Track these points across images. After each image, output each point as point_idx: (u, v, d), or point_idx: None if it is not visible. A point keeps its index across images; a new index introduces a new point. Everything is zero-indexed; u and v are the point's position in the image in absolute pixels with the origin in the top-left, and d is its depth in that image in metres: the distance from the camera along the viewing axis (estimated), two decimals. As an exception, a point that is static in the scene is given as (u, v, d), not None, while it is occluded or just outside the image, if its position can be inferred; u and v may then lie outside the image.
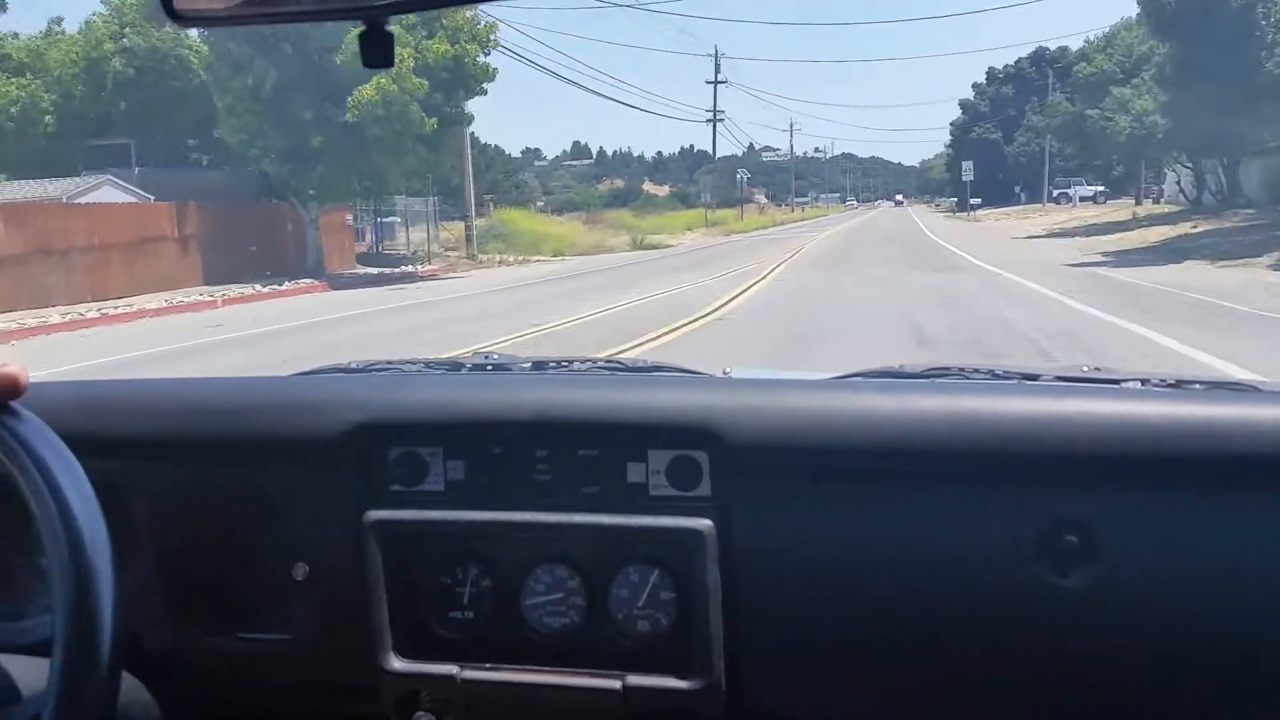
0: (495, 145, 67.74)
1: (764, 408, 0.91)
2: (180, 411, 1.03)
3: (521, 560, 0.96)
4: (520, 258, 25.98)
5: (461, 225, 27.28)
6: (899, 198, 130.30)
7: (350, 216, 23.69)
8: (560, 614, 0.95)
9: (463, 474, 0.96)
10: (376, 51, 0.69)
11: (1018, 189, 58.20)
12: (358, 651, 0.95)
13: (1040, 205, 48.84)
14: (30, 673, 0.79)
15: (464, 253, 25.44)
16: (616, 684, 0.90)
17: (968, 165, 51.32)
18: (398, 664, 0.95)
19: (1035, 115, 46.14)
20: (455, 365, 1.24)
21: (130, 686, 0.96)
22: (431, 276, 20.50)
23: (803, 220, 65.86)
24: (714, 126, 59.25)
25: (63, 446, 0.71)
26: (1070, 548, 0.83)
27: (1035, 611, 0.84)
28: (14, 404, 0.72)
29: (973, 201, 52.06)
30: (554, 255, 26.75)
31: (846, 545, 0.87)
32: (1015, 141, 58.44)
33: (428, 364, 1.24)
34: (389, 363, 1.25)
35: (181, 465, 1.03)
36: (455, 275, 20.96)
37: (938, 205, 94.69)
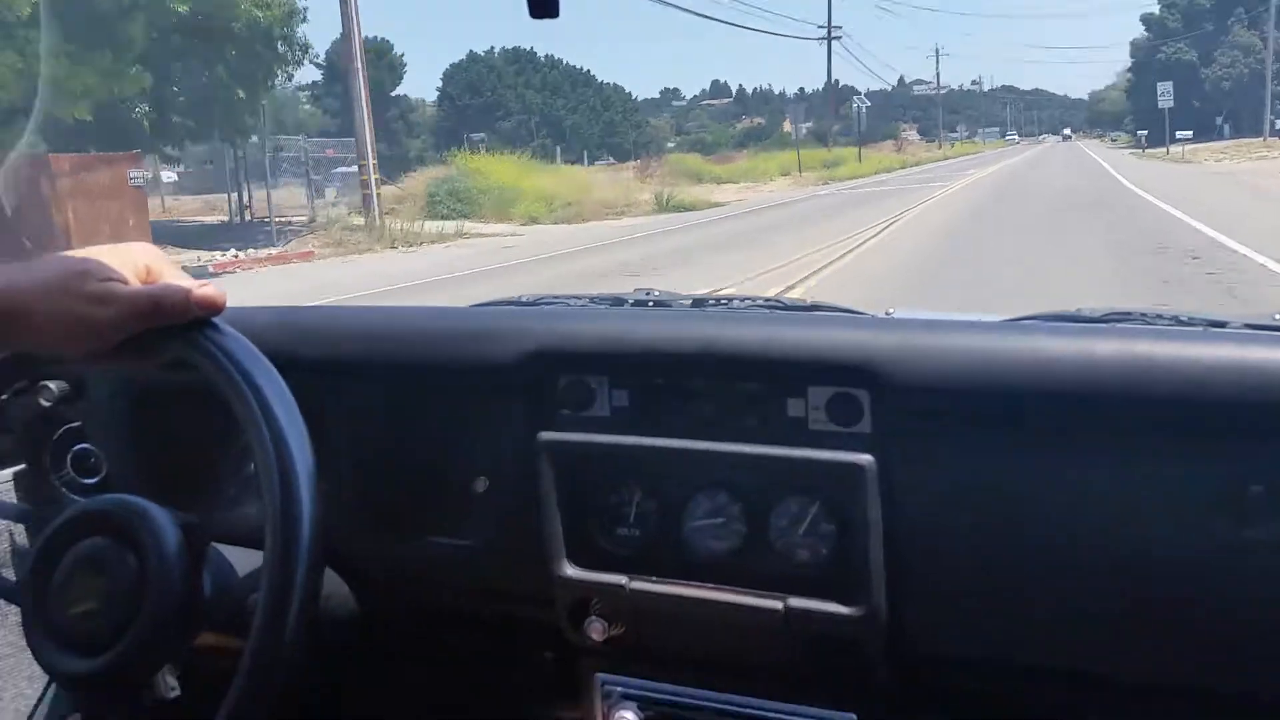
0: (614, 83, 66.20)
1: (929, 347, 0.91)
2: (372, 336, 1.12)
3: (684, 485, 1.00)
4: (459, 229, 18.55)
5: (422, 180, 22.06)
6: (1066, 132, 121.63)
7: (137, 171, 16.12)
8: (721, 538, 0.99)
9: (627, 402, 1.01)
10: (541, 2, 0.73)
11: (1219, 120, 49.71)
12: (533, 560, 1.02)
13: (1261, 139, 40.33)
14: (240, 562, 0.88)
15: (366, 221, 18.46)
16: (779, 604, 0.93)
17: (1165, 87, 37.90)
18: (570, 571, 1.01)
19: (1245, 31, 38.52)
20: (619, 300, 1.29)
21: (330, 581, 1.09)
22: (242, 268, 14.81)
23: (944, 160, 55.64)
24: (829, 45, 53.30)
25: (265, 360, 0.77)
26: (1255, 499, 0.81)
27: (1213, 563, 0.82)
28: (215, 320, 0.80)
29: (1180, 134, 40.02)
30: (525, 221, 20.18)
31: (1012, 490, 0.87)
32: (1215, 63, 50.36)
33: (592, 299, 1.30)
34: (555, 297, 1.32)
35: (373, 386, 1.11)
36: (295, 263, 15.47)
37: (1113, 140, 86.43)
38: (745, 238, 15.04)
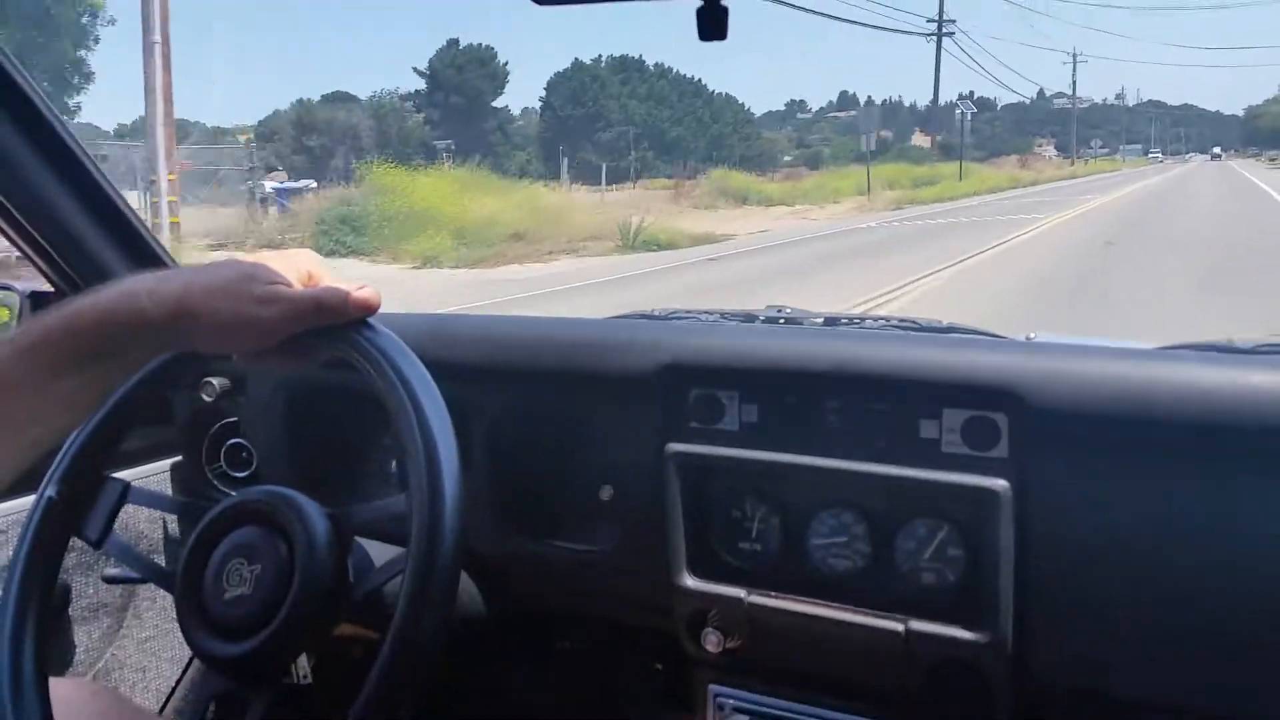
0: (725, 93, 62.35)
1: (1073, 373, 0.89)
2: (514, 344, 1.16)
3: (809, 502, 1.00)
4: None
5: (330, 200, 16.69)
6: (1216, 150, 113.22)
7: None
8: (845, 557, 0.99)
9: (756, 417, 1.01)
10: (711, 26, 0.74)
11: None
12: (655, 568, 1.04)
13: None
14: (378, 556, 0.88)
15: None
16: (900, 627, 0.92)
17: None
18: (690, 582, 1.02)
19: None
20: (750, 317, 1.30)
21: (461, 579, 1.13)
22: None
23: (1071, 179, 47.53)
24: (939, 41, 48.41)
25: (417, 359, 0.80)
26: None
27: None
28: (370, 320, 0.83)
29: None
30: (418, 263, 14.61)
31: (1152, 522, 0.85)
32: None
33: (723, 314, 1.31)
34: (688, 312, 1.34)
35: (513, 391, 1.15)
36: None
37: (1271, 160, 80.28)
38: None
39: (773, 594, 0.99)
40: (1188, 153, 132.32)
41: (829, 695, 1.00)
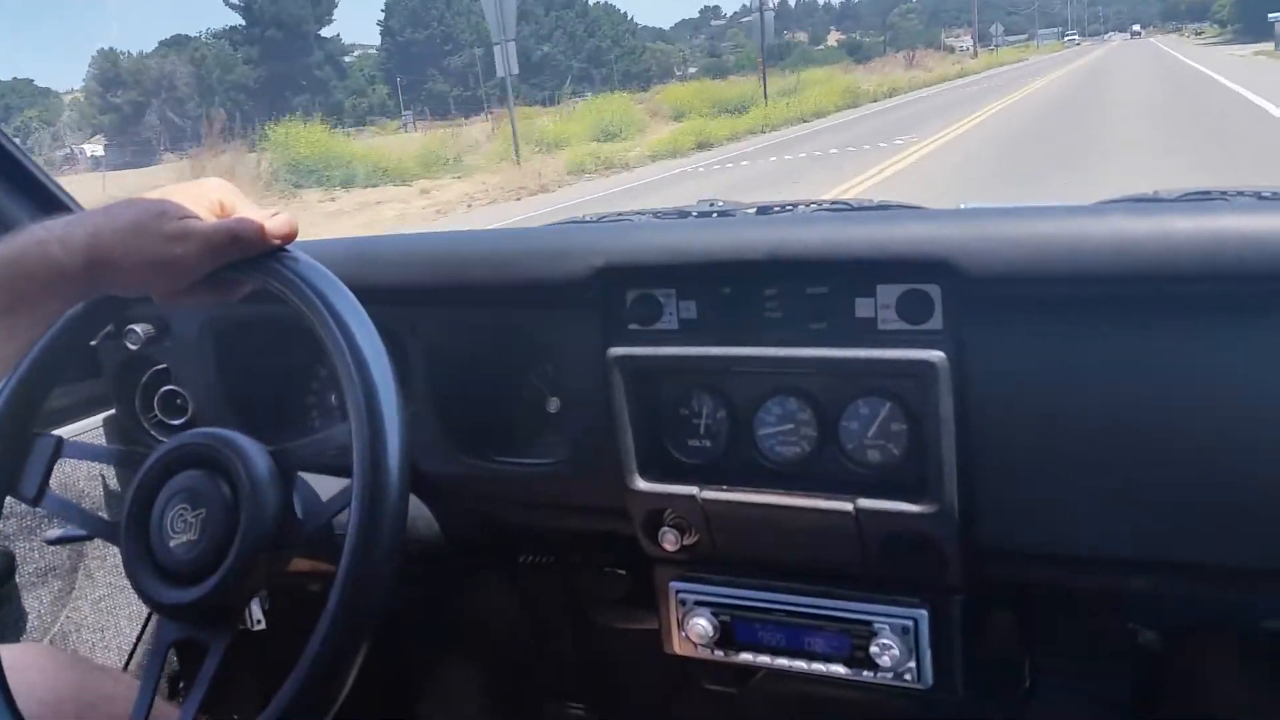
0: (604, 1, 54.58)
1: (1002, 236, 0.89)
2: (442, 261, 1.13)
3: (754, 393, 1.00)
4: None
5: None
6: (1136, 27, 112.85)
7: None
8: (792, 443, 1.00)
9: (695, 313, 1.00)
10: None
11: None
12: (608, 475, 1.04)
13: None
14: (326, 489, 0.87)
15: None
16: (849, 506, 0.94)
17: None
18: (644, 485, 1.03)
19: None
20: (683, 213, 1.28)
21: (412, 503, 1.11)
22: None
23: (960, 79, 38.78)
24: None
25: (343, 285, 0.78)
26: None
27: None
28: (290, 248, 0.81)
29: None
30: None
31: (1088, 379, 0.86)
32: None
33: (655, 213, 1.29)
34: (619, 214, 1.32)
35: (446, 310, 1.13)
36: None
37: (1196, 33, 75.19)
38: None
39: (725, 488, 1.00)
40: (1107, 33, 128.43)
41: (787, 579, 1.03)
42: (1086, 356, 0.85)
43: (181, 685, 1.34)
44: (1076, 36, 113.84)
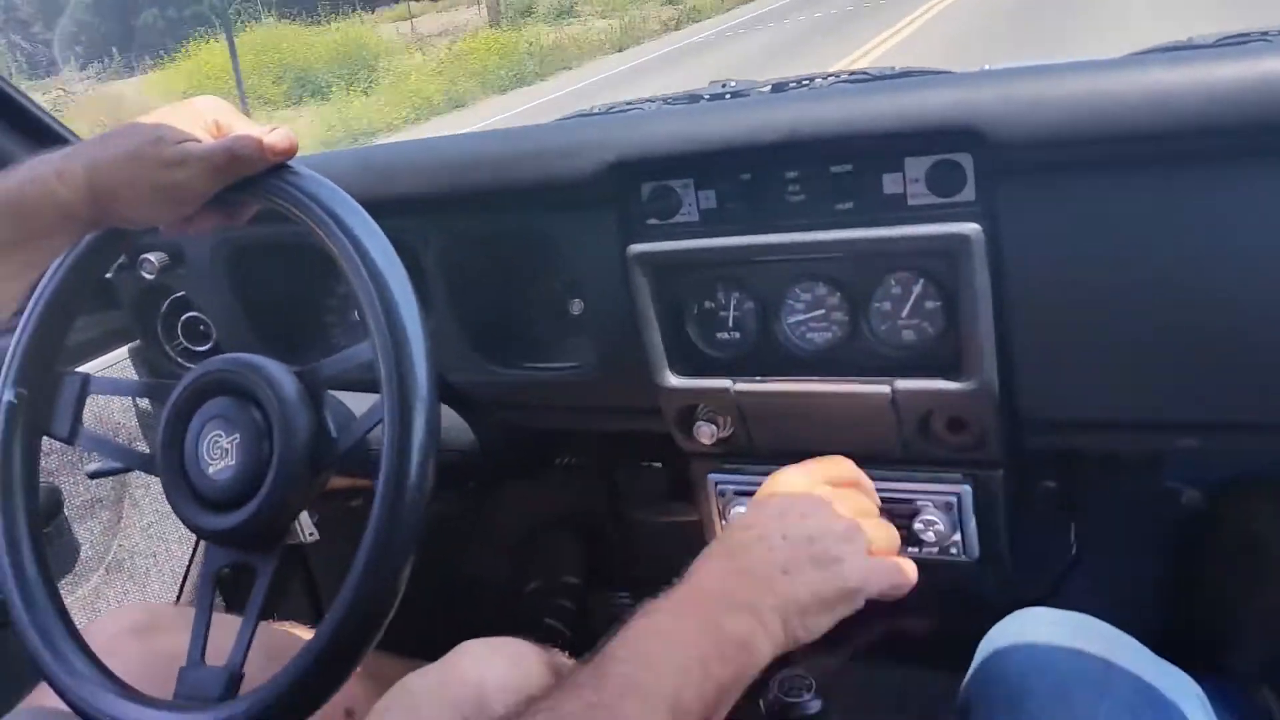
0: None
1: (1032, 96, 0.84)
2: (450, 166, 1.09)
3: (780, 281, 0.99)
4: None
5: None
6: None
7: None
8: (823, 329, 0.99)
9: (714, 203, 0.97)
10: None
11: None
12: (637, 374, 1.03)
13: None
14: (358, 406, 0.89)
15: None
16: (885, 389, 0.93)
17: None
18: (674, 381, 1.02)
19: None
20: (694, 97, 1.24)
21: (446, 414, 1.13)
22: None
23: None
24: None
25: (350, 198, 0.77)
26: None
27: None
28: (292, 164, 0.79)
29: None
30: None
31: (1127, 241, 0.83)
32: None
33: (665, 100, 1.25)
34: (629, 103, 1.28)
35: (458, 217, 1.10)
36: None
37: None
38: None
39: (757, 379, 0.99)
40: None
41: None
42: (1126, 219, 0.82)
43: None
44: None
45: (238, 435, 0.81)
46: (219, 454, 0.81)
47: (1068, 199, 0.84)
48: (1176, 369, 0.85)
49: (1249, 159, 0.79)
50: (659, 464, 1.26)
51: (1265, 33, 0.98)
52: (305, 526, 0.85)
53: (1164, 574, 1.21)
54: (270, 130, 0.80)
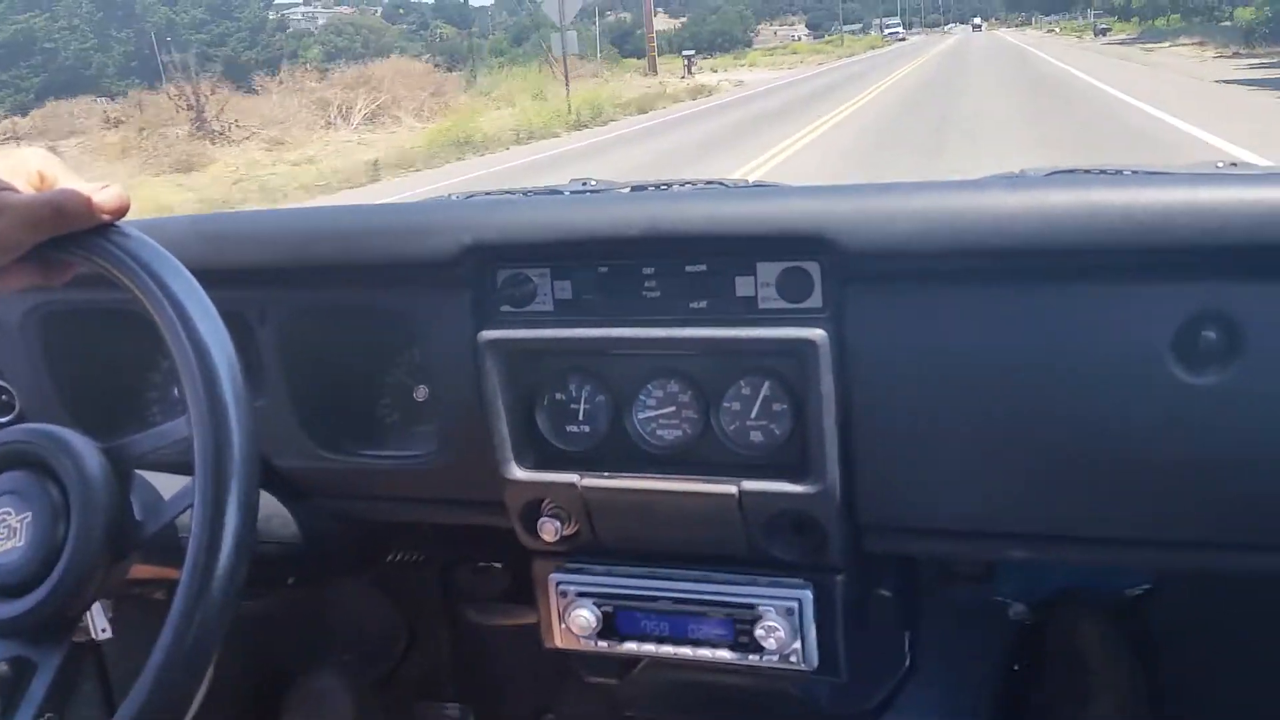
0: None
1: (879, 210, 0.88)
2: (296, 239, 1.05)
3: (633, 375, 0.98)
4: None
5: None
6: (977, 21, 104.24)
7: None
8: (673, 426, 0.98)
9: (570, 293, 0.97)
10: None
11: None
12: (482, 466, 1.00)
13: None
14: (171, 489, 0.81)
15: None
16: (733, 489, 0.93)
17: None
18: (520, 474, 0.99)
19: None
20: (555, 191, 1.25)
21: (267, 502, 1.06)
22: None
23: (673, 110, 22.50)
24: None
25: (180, 265, 0.72)
26: (1207, 344, 0.82)
27: (1168, 414, 0.83)
28: (121, 224, 0.74)
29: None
30: None
31: (967, 351, 0.86)
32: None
33: (526, 192, 1.26)
34: (488, 193, 1.28)
35: (300, 292, 1.06)
36: None
37: (1050, 29, 68.75)
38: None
39: (605, 474, 0.98)
40: (949, 25, 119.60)
41: (669, 565, 1.01)
42: (966, 329, 0.86)
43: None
44: (900, 31, 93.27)
45: (29, 513, 0.75)
46: (6, 533, 0.75)
47: (911, 308, 0.87)
48: (1010, 479, 0.88)
49: (1078, 279, 0.85)
50: (498, 563, 1.22)
51: (1089, 170, 1.07)
52: (98, 621, 0.78)
53: (995, 688, 1.24)
54: (101, 188, 0.75)
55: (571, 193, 1.23)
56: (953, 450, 0.88)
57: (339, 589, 1.42)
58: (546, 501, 1.01)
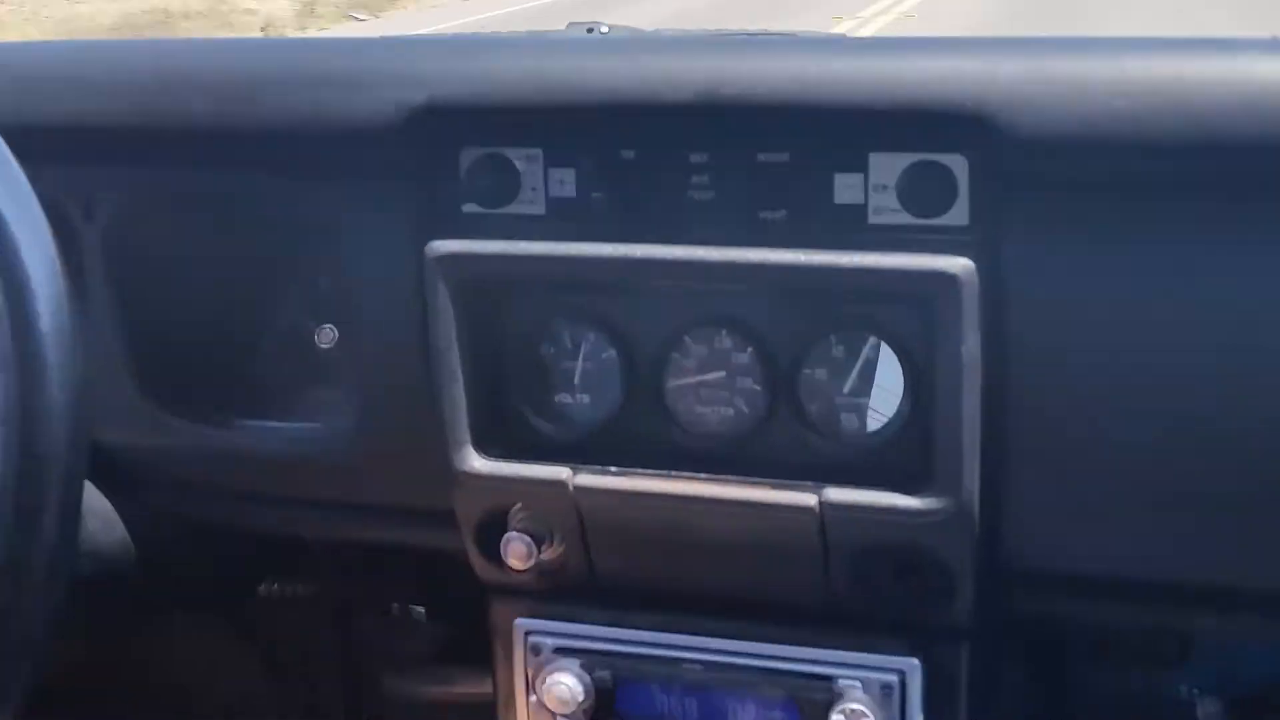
0: None
1: (1074, 77, 0.68)
2: (150, 85, 0.85)
3: (664, 322, 0.78)
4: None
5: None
6: None
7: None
8: (722, 402, 0.78)
9: (573, 189, 0.77)
10: None
11: None
12: (417, 452, 0.81)
13: None
14: None
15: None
16: (810, 499, 0.73)
17: None
18: (480, 465, 0.79)
19: None
20: (559, 36, 1.06)
21: (90, 495, 0.90)
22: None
23: None
24: None
25: None
26: None
27: None
28: None
29: None
30: None
31: (1187, 314, 0.68)
32: None
33: (508, 37, 1.06)
34: (456, 36, 1.11)
35: (149, 171, 0.86)
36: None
37: None
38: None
39: (613, 470, 0.78)
40: None
41: (700, 614, 0.82)
42: (1189, 279, 0.68)
43: None
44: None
45: None
46: None
47: (1111, 238, 0.69)
48: (1224, 508, 0.71)
49: None
50: (432, 604, 1.05)
51: None
52: None
53: None
54: None
55: (583, 39, 1.04)
56: (1150, 460, 0.71)
57: (184, 635, 1.20)
58: (517, 509, 0.81)
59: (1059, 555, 0.76)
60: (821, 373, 0.76)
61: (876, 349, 0.75)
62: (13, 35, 12.03)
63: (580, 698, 0.82)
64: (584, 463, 0.79)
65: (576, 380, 0.81)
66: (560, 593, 0.85)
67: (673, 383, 0.79)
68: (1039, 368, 0.71)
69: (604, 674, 0.83)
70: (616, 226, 0.76)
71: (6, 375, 0.58)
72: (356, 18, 11.77)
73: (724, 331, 0.77)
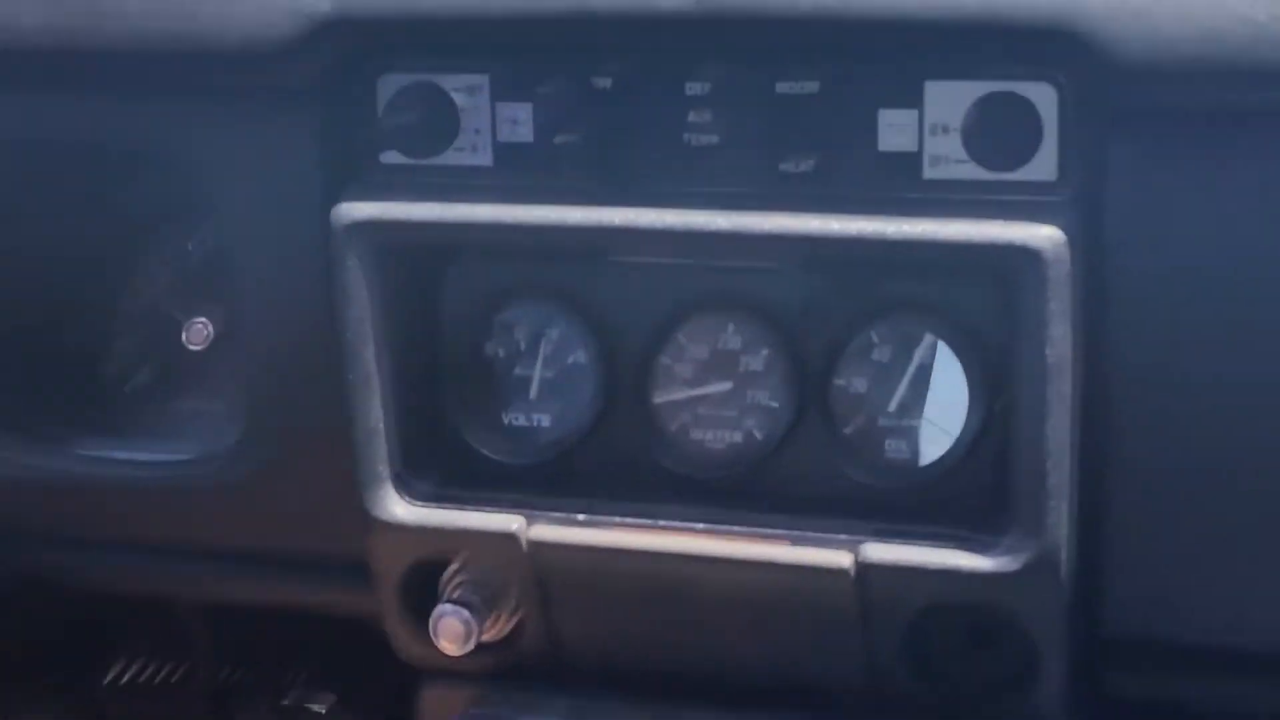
0: None
1: None
2: None
3: (653, 309, 0.69)
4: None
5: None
6: None
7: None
8: (730, 423, 0.68)
9: (531, 131, 0.67)
10: None
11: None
12: (319, 481, 0.71)
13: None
14: None
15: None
16: (844, 558, 0.63)
17: None
18: (400, 509, 0.68)
19: None
20: None
21: None
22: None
23: None
24: None
25: None
26: None
27: None
28: None
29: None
30: None
31: None
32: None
33: None
34: None
35: None
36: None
37: None
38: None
39: (579, 517, 0.68)
40: None
41: (700, 703, 0.72)
42: None
43: None
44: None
45: None
46: None
47: (1248, 194, 0.59)
48: None
49: None
50: (335, 689, 0.95)
51: None
52: None
53: None
54: None
55: None
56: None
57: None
58: (454, 569, 0.69)
59: (1175, 621, 0.66)
60: (860, 382, 0.66)
61: (933, 350, 0.66)
62: None
63: None
64: (543, 503, 0.67)
65: (533, 391, 0.71)
66: (510, 679, 0.74)
67: (662, 396, 0.68)
68: (1150, 371, 0.61)
69: None
70: (587, 182, 0.66)
71: None
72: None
73: (731, 326, 0.67)
